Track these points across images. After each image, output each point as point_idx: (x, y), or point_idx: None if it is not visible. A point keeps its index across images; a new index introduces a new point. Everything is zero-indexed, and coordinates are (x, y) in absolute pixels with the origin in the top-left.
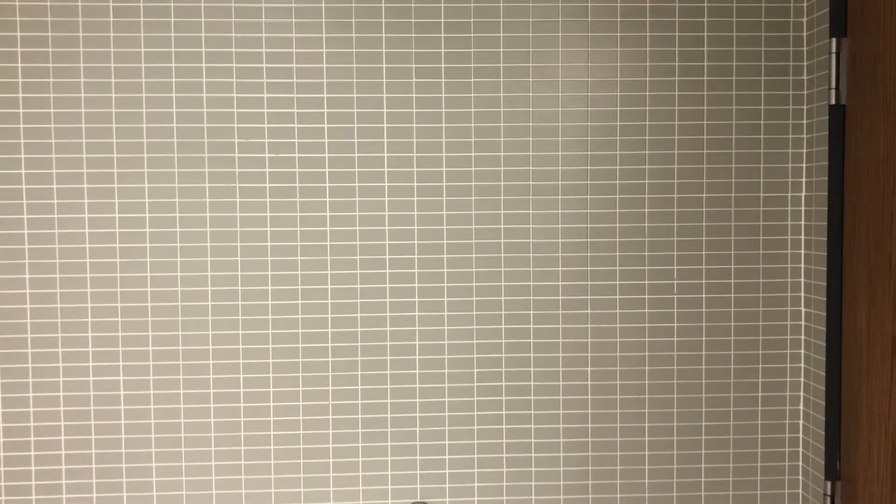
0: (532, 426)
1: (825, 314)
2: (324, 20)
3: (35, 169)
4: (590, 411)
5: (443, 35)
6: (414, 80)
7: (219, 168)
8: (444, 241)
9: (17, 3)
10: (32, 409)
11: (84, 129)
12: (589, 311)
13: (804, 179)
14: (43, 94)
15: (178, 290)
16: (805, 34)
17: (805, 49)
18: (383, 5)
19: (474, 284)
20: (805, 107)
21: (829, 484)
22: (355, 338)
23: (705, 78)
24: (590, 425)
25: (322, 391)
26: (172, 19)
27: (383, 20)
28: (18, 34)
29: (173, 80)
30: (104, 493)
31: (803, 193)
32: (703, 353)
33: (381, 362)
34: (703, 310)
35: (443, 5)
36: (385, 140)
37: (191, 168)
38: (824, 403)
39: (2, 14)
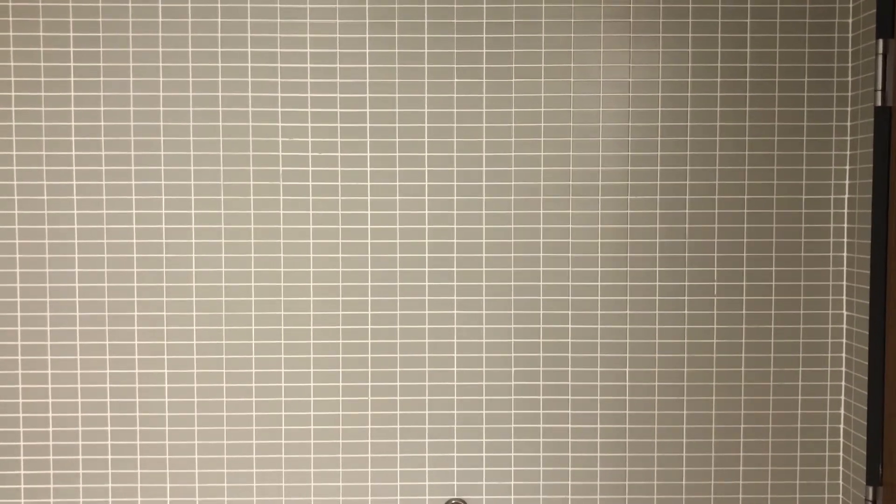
0: (570, 426)
1: (868, 317)
2: (367, 21)
3: (84, 165)
4: (627, 412)
5: (484, 35)
6: (455, 80)
7: (263, 166)
8: (483, 241)
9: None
10: (81, 400)
11: (132, 127)
12: (628, 311)
13: (847, 182)
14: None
15: (221, 285)
16: (850, 35)
17: (850, 50)
18: (426, 6)
19: (512, 283)
20: (849, 108)
21: (870, 489)
22: (394, 335)
23: (748, 79)
24: (627, 426)
25: (362, 387)
26: (219, 20)
27: (426, 21)
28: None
29: (219, 79)
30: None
31: (846, 196)
32: (743, 355)
33: (420, 359)
34: (744, 312)
35: (485, 6)
36: (426, 140)
37: (236, 166)
38: (866, 407)
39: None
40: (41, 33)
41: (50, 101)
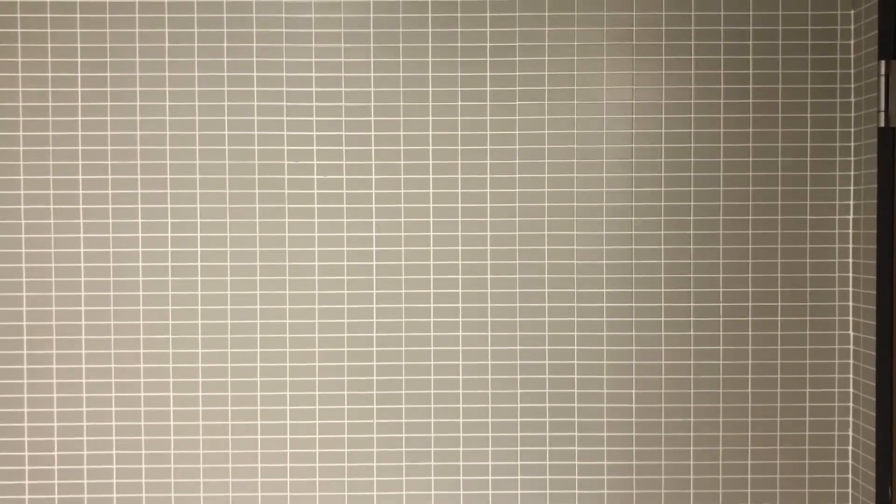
0: (576, 448)
1: (874, 338)
2: (371, 45)
3: (91, 189)
4: (634, 434)
5: (488, 59)
6: (459, 103)
7: (269, 189)
8: (489, 262)
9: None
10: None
11: (139, 151)
12: (634, 332)
13: (852, 202)
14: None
15: (227, 308)
16: (853, 56)
17: (853, 71)
18: (430, 30)
19: (518, 305)
20: (853, 129)
21: None
22: (399, 356)
23: (751, 100)
24: (634, 448)
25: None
26: (225, 44)
27: (430, 45)
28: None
29: (225, 103)
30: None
31: (851, 216)
32: (750, 376)
33: (426, 381)
34: (750, 333)
35: (488, 29)
36: (430, 162)
37: (242, 189)
38: (875, 428)
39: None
40: (49, 59)
41: (57, 126)
